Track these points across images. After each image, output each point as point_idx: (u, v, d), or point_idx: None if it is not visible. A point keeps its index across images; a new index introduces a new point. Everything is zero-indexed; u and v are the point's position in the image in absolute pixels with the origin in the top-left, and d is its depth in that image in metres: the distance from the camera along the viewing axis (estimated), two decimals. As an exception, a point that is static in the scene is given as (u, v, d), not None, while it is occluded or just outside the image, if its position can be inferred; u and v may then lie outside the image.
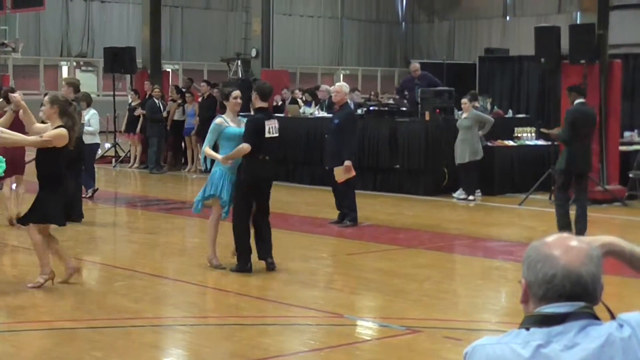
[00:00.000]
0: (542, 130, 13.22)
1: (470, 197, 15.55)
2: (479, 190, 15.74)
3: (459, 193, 15.74)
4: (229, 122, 9.68)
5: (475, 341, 2.51)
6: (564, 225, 11.77)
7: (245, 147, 9.39)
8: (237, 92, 10.01)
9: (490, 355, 2.43)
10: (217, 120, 9.80)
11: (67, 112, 8.68)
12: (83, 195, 13.32)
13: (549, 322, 2.40)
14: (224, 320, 7.97)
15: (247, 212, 9.60)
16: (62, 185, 8.71)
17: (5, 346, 7.03)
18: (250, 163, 9.48)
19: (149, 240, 11.88)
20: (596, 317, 2.43)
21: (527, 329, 2.43)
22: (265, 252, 9.73)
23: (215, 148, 9.72)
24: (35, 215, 8.70)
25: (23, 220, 8.99)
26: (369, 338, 7.67)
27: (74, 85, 13.32)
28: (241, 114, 10.30)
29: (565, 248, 2.44)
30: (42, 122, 9.51)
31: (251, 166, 9.50)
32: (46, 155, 8.59)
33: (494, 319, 8.00)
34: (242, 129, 9.59)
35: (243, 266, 9.58)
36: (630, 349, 2.34)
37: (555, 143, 15.98)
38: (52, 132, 8.52)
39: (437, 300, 8.77)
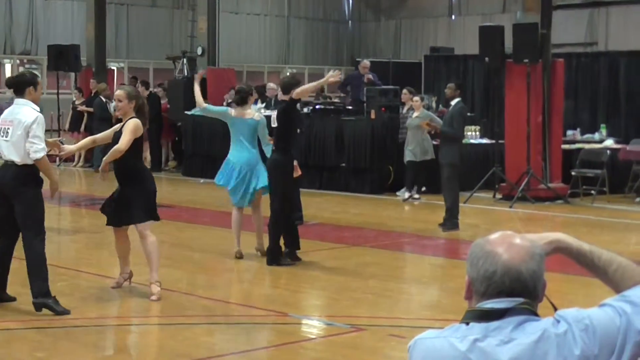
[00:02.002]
0: (425, 125, 13.28)
1: (416, 196, 15.63)
2: (423, 188, 15.81)
3: (403, 191, 15.81)
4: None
5: (418, 335, 2.54)
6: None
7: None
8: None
9: (430, 348, 2.47)
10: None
11: (141, 105, 8.46)
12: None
13: (487, 317, 2.43)
14: (169, 319, 7.92)
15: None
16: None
17: None
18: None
19: (93, 240, 11.77)
20: (535, 314, 2.46)
21: (467, 323, 2.46)
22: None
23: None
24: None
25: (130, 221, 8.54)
26: (313, 336, 7.68)
27: None
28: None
29: (508, 245, 2.47)
30: None
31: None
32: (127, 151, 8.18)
33: (439, 316, 8.05)
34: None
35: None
36: (565, 345, 2.38)
37: (500, 141, 16.16)
38: (128, 133, 8.13)
39: (382, 298, 8.80)
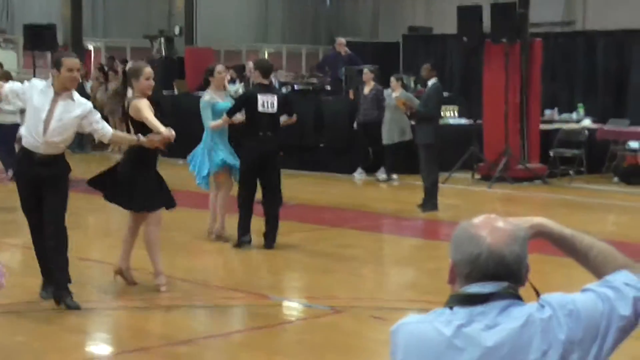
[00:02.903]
0: (401, 104, 13.26)
1: (394, 176, 15.65)
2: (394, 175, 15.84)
3: (381, 172, 15.82)
4: (216, 98, 10.12)
5: (400, 319, 2.53)
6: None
7: (225, 118, 9.87)
8: (220, 67, 10.55)
9: (414, 333, 2.46)
10: (206, 97, 10.20)
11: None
12: (2, 176, 13.08)
13: (472, 301, 2.43)
14: (150, 302, 7.89)
15: (248, 190, 9.99)
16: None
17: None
18: (248, 140, 9.81)
19: (71, 222, 11.61)
20: (519, 298, 2.46)
21: (451, 308, 2.46)
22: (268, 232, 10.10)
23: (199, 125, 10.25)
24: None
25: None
26: (294, 319, 7.69)
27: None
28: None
29: (491, 229, 2.47)
30: None
31: (248, 143, 9.82)
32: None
33: (419, 297, 8.07)
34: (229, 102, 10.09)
35: (240, 239, 9.96)
36: (550, 330, 2.38)
37: (478, 121, 16.18)
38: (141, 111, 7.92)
39: (362, 279, 8.82)
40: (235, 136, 10.34)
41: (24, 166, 7.38)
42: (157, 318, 7.41)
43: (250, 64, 20.71)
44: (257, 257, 9.95)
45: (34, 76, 21.71)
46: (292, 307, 8.02)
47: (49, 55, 24.57)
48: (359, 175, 15.90)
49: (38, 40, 21.68)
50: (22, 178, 7.41)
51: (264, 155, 9.85)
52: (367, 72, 15.83)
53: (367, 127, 15.74)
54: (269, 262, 9.60)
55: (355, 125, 15.65)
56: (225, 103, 10.15)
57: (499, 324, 2.39)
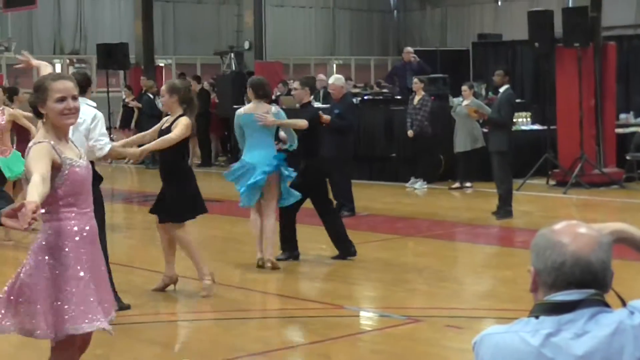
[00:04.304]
0: (473, 112, 13.07)
1: (468, 184, 15.53)
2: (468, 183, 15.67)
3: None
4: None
5: (483, 330, 2.47)
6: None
7: (302, 122, 9.84)
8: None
9: (500, 344, 2.39)
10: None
11: (188, 99, 8.26)
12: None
13: (558, 310, 2.36)
14: (224, 314, 7.92)
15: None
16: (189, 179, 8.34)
17: (4, 345, 6.97)
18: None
19: (146, 236, 11.82)
20: (607, 305, 2.39)
21: (537, 317, 2.39)
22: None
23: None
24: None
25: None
26: (370, 329, 7.64)
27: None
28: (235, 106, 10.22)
29: (574, 235, 2.41)
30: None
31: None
32: (171, 149, 8.05)
33: (496, 306, 7.96)
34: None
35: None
36: (642, 337, 2.30)
37: (552, 127, 15.97)
38: (180, 128, 7.96)
39: (437, 288, 8.72)
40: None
41: None
42: (233, 330, 7.42)
43: (321, 76, 20.76)
44: (332, 267, 9.93)
45: (107, 95, 22.14)
46: (368, 317, 7.97)
47: (121, 74, 24.99)
48: (411, 185, 15.77)
49: (111, 59, 22.02)
50: None
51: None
52: (417, 82, 15.71)
53: (417, 137, 15.54)
54: (343, 272, 9.56)
55: (411, 133, 15.45)
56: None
57: (588, 332, 2.33)
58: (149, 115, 19.85)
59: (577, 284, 2.37)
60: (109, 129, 21.83)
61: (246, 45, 23.36)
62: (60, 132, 4.65)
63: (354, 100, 17.08)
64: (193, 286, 8.87)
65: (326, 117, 12.52)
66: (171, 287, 8.56)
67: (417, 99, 15.56)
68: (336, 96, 12.85)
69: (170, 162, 8.26)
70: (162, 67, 27.66)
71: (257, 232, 9.62)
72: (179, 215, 8.28)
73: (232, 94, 20.15)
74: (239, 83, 20.57)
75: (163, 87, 8.50)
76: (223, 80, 21.59)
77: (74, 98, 4.60)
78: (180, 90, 8.31)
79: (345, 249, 9.95)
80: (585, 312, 2.35)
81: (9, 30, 30.33)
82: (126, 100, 21.59)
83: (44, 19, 31.36)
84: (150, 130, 8.82)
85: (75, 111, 4.61)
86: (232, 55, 25.93)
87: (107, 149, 7.48)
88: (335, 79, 13.06)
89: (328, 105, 15.12)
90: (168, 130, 8.16)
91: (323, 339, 7.17)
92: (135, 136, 9.18)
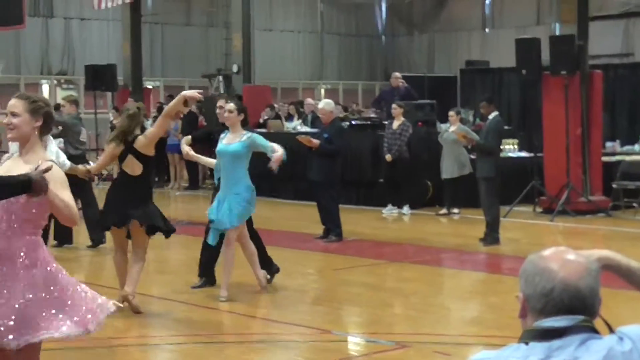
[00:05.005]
0: (462, 137, 13.14)
1: (455, 210, 15.56)
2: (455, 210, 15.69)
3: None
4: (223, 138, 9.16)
5: (471, 356, 2.48)
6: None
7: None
8: (220, 102, 9.93)
9: None
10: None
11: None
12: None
13: (548, 336, 2.38)
14: (211, 338, 7.89)
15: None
16: None
17: None
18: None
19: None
20: (596, 331, 2.41)
21: (527, 343, 2.41)
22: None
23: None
24: None
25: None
26: (357, 354, 7.63)
27: (76, 102, 13.72)
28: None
29: (563, 261, 2.43)
30: None
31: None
32: None
33: (483, 332, 7.97)
34: (233, 145, 9.01)
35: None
36: (632, 362, 2.32)
37: (539, 154, 16.04)
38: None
39: (425, 314, 8.73)
40: None
41: None
42: (219, 353, 7.40)
43: (309, 101, 20.80)
44: (318, 292, 9.92)
45: (95, 116, 22.13)
46: (356, 342, 7.96)
47: (109, 95, 24.98)
48: (388, 211, 15.78)
49: (99, 80, 22.01)
50: None
51: None
52: (395, 107, 15.76)
53: (397, 162, 15.54)
54: (330, 297, 9.56)
55: (389, 157, 15.46)
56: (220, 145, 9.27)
57: (578, 358, 2.34)
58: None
59: (566, 310, 2.39)
60: (96, 150, 21.93)
61: (234, 68, 23.41)
62: (20, 145, 4.80)
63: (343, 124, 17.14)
64: (179, 310, 8.86)
65: (315, 142, 12.57)
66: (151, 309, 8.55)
67: (396, 123, 15.59)
68: (325, 120, 12.90)
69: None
70: (150, 89, 27.69)
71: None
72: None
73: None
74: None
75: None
76: (210, 103, 21.59)
77: (13, 114, 4.71)
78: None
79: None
80: (575, 338, 2.37)
81: (-4, 50, 30.30)
82: (113, 122, 21.53)
83: (32, 39, 31.34)
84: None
85: (13, 127, 4.71)
86: (221, 78, 25.95)
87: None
88: (325, 104, 13.09)
89: (316, 130, 15.19)
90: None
91: (310, 364, 7.15)
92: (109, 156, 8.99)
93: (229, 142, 9.07)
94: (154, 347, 7.76)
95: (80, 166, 9.13)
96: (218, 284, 9.47)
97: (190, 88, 33.23)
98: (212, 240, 9.02)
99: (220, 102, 10.04)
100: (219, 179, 9.28)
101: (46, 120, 4.77)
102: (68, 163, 9.24)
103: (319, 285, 10.23)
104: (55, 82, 32.04)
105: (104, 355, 7.27)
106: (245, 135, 9.07)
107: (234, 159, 8.97)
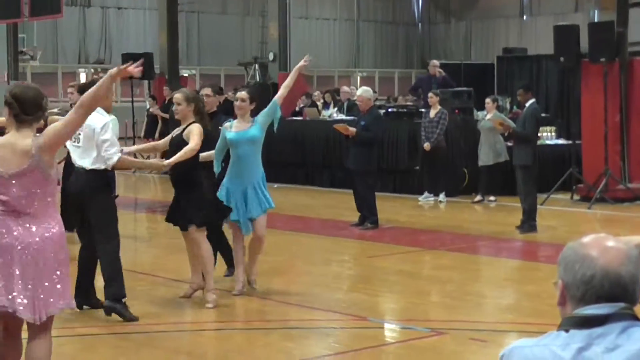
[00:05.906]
0: (498, 125, 12.98)
1: (491, 198, 15.49)
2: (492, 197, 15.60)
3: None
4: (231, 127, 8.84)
5: (508, 344, 2.47)
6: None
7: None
8: (205, 90, 9.70)
9: (529, 357, 2.39)
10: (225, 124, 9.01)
11: (202, 109, 8.34)
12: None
13: (589, 323, 2.36)
14: (248, 324, 7.93)
15: None
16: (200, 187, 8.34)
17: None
18: None
19: (169, 246, 11.84)
20: (637, 318, 2.38)
21: (567, 330, 2.38)
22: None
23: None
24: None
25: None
26: (393, 341, 7.63)
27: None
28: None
29: (603, 248, 2.40)
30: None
31: None
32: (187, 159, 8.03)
33: (519, 320, 7.94)
34: (250, 131, 8.78)
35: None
36: (674, 350, 2.30)
37: (577, 142, 15.91)
38: (196, 135, 8.02)
39: (461, 301, 8.70)
40: None
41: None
42: (257, 341, 7.43)
43: (345, 88, 20.76)
44: (355, 279, 9.93)
45: (132, 104, 22.26)
46: (391, 329, 7.96)
47: (146, 83, 25.12)
48: (425, 199, 15.71)
49: (136, 69, 22.03)
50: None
51: None
52: (432, 96, 15.65)
53: (435, 150, 15.46)
54: (367, 284, 9.56)
55: (428, 146, 15.36)
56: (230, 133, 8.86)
57: (619, 346, 2.32)
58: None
59: (607, 297, 2.37)
60: (133, 138, 22.07)
61: (270, 56, 23.43)
62: None
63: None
64: (218, 296, 8.88)
65: (352, 130, 12.55)
66: (198, 293, 8.58)
67: (433, 112, 15.51)
68: (363, 108, 12.87)
69: (185, 169, 8.21)
70: (186, 77, 27.82)
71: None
72: (198, 218, 8.30)
73: (257, 105, 20.16)
74: (263, 94, 20.60)
75: (179, 96, 8.38)
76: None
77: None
78: (198, 100, 8.40)
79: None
80: (615, 326, 2.34)
81: (34, 39, 30.57)
82: (151, 109, 21.68)
83: (69, 28, 31.61)
84: (161, 141, 8.87)
85: None
86: (257, 66, 26.03)
87: (115, 158, 7.55)
88: (363, 91, 13.07)
89: (353, 118, 15.16)
90: (180, 138, 8.22)
91: (346, 350, 7.16)
92: (145, 145, 9.19)
93: (239, 129, 8.78)
94: (191, 333, 7.80)
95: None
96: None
97: (226, 76, 33.41)
98: (246, 231, 8.91)
99: (204, 91, 9.81)
100: (220, 171, 8.93)
101: None
102: None
103: (354, 272, 10.22)
104: (92, 70, 32.28)
105: (142, 342, 7.33)
106: (255, 120, 8.89)
107: (252, 144, 8.73)
